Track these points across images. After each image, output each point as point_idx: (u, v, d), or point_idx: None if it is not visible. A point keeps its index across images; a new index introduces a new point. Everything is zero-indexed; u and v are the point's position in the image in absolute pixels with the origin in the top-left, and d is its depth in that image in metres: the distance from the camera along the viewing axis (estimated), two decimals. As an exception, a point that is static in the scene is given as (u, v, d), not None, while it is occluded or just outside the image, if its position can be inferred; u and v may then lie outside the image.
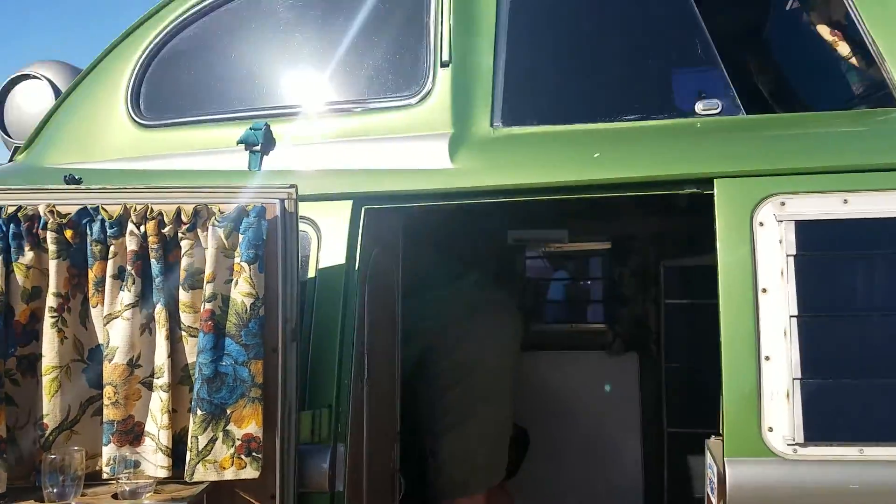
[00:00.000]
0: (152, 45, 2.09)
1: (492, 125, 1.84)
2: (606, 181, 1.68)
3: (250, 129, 1.94)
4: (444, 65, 1.87)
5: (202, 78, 2.11)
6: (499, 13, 1.88)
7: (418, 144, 1.84)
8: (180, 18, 2.09)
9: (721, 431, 1.53)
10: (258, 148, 1.94)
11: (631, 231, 3.32)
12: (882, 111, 1.69)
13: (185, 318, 1.48)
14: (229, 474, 1.42)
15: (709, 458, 1.62)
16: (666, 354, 3.13)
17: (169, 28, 2.09)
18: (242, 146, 1.94)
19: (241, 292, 1.46)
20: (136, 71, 2.08)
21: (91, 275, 1.49)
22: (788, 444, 1.47)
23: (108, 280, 1.48)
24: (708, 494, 1.62)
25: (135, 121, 2.06)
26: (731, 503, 1.45)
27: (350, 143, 1.90)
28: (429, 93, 1.88)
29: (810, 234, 1.51)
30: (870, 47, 1.71)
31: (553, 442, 3.16)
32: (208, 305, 1.44)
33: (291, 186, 1.57)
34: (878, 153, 1.55)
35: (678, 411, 2.98)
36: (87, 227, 1.48)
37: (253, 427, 1.42)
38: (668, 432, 3.08)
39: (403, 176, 1.81)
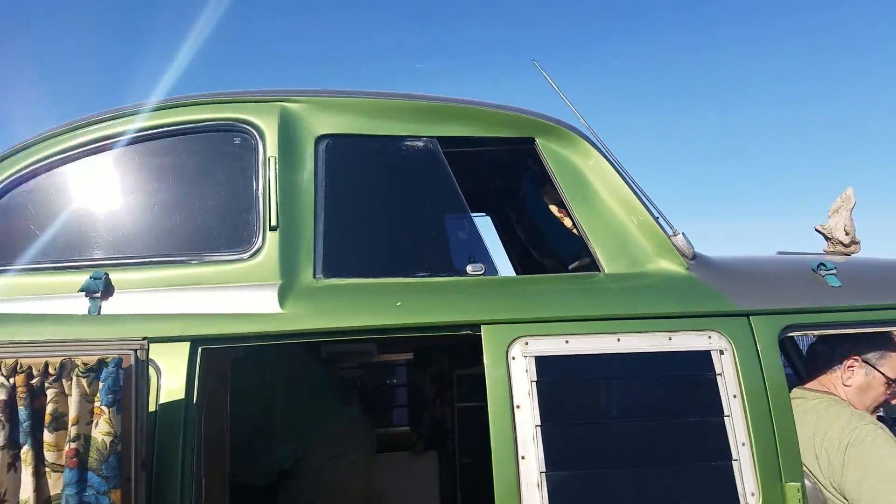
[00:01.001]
0: None
1: (314, 277, 2.22)
2: (406, 325, 2.12)
3: (91, 277, 2.16)
4: (272, 229, 2.24)
5: (47, 228, 2.29)
6: (316, 188, 2.31)
7: (251, 293, 2.16)
8: (22, 172, 2.28)
9: None
10: (98, 295, 2.17)
11: (429, 344, 3.87)
12: (590, 274, 2.36)
13: (49, 455, 1.69)
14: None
15: None
16: (460, 452, 3.66)
17: (8, 180, 2.27)
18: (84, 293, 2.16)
19: (101, 432, 1.71)
20: None
21: (-40, 422, 1.65)
22: (540, 524, 1.95)
23: (-23, 427, 1.65)
24: None
25: None
26: None
27: (188, 291, 2.17)
28: (259, 250, 2.22)
29: (545, 365, 2.07)
30: (578, 227, 2.42)
31: None
32: (73, 444, 1.68)
33: (144, 339, 1.86)
34: (586, 307, 2.18)
35: (471, 500, 3.49)
36: (-44, 380, 1.66)
37: (114, 547, 1.65)
38: (463, 520, 3.57)
39: (238, 319, 2.10)
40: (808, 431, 2.25)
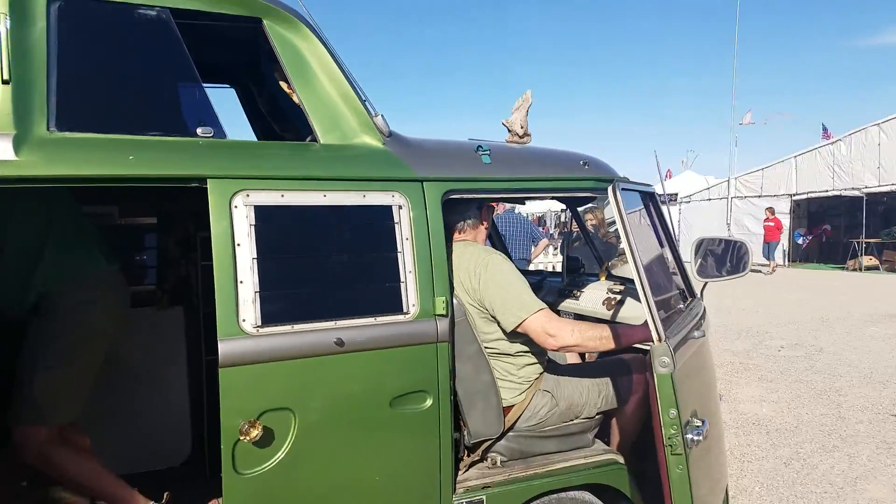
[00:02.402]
0: None
1: (48, 129, 2.35)
2: (137, 176, 2.40)
3: None
4: (4, 82, 2.31)
5: None
6: (49, 46, 2.41)
7: None
8: None
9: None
10: None
11: (173, 209, 4.14)
12: (307, 144, 2.83)
13: None
14: None
15: None
16: (204, 303, 4.07)
17: None
18: None
19: None
20: None
21: None
22: (253, 327, 2.49)
23: None
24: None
25: None
26: (223, 364, 2.43)
27: None
28: None
29: (263, 213, 2.53)
30: (300, 103, 2.87)
31: (115, 381, 3.80)
32: None
33: None
34: (300, 169, 2.65)
35: (212, 344, 3.95)
36: None
37: None
38: (206, 360, 4.05)
39: None
40: (454, 266, 3.09)
